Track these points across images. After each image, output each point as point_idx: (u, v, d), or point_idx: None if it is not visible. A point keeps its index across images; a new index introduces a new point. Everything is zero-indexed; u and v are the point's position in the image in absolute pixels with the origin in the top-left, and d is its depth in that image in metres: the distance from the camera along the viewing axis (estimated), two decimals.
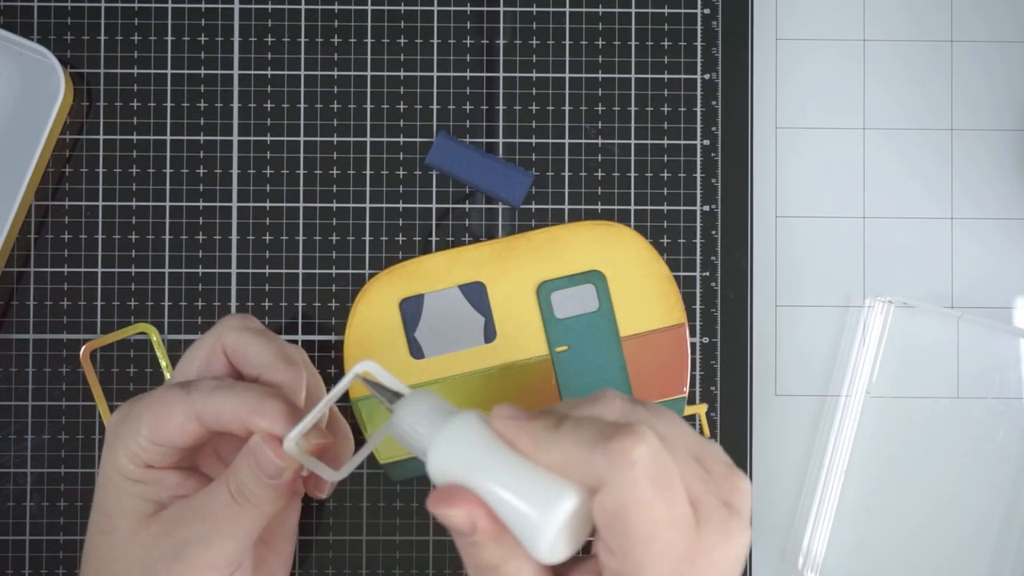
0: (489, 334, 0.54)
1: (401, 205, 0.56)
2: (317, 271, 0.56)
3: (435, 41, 0.56)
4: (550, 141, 0.56)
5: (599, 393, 0.40)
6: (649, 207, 0.56)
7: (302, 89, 0.56)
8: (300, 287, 0.56)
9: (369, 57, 0.56)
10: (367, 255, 0.56)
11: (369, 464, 0.55)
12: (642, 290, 0.55)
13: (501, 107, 0.56)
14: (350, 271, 0.56)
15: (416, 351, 0.54)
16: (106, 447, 0.44)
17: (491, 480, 0.37)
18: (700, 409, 0.55)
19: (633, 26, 0.57)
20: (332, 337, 0.56)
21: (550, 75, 0.56)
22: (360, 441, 0.54)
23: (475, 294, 0.54)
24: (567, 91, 0.56)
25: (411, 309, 0.54)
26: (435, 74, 0.56)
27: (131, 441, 0.43)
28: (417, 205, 0.56)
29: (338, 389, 0.41)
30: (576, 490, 0.36)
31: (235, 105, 0.56)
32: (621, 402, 0.39)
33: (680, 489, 0.36)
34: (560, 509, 0.36)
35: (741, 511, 0.38)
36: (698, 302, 0.56)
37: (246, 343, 0.45)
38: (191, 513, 0.43)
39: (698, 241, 0.56)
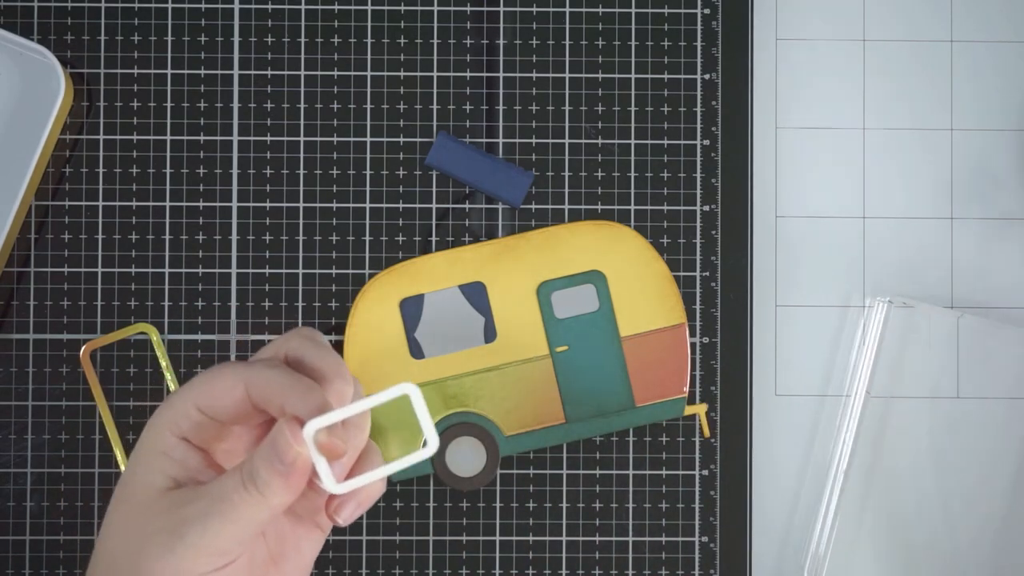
0: (489, 334, 0.54)
1: (401, 205, 0.56)
2: (317, 271, 0.56)
3: (435, 41, 0.56)
4: (550, 141, 0.56)
5: None
6: (649, 207, 0.56)
7: (302, 89, 0.56)
8: (300, 287, 0.56)
9: (369, 57, 0.56)
10: (367, 255, 0.56)
11: None
12: (642, 290, 0.55)
13: (501, 107, 0.56)
14: (350, 271, 0.56)
15: (416, 351, 0.54)
16: (151, 417, 0.45)
17: None
18: (700, 409, 0.55)
19: (633, 26, 0.57)
20: (332, 337, 0.56)
21: (550, 75, 0.56)
22: None
23: (475, 294, 0.54)
24: (567, 91, 0.56)
25: (411, 309, 0.54)
26: (435, 74, 0.56)
27: (177, 402, 0.44)
28: (417, 205, 0.56)
29: (374, 399, 0.41)
30: None
31: (235, 105, 0.56)
32: None
33: None
34: None
35: None
36: (698, 302, 0.56)
37: (305, 349, 0.46)
38: (198, 494, 0.44)
39: (698, 241, 0.56)
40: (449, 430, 0.54)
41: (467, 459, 0.54)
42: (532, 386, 0.54)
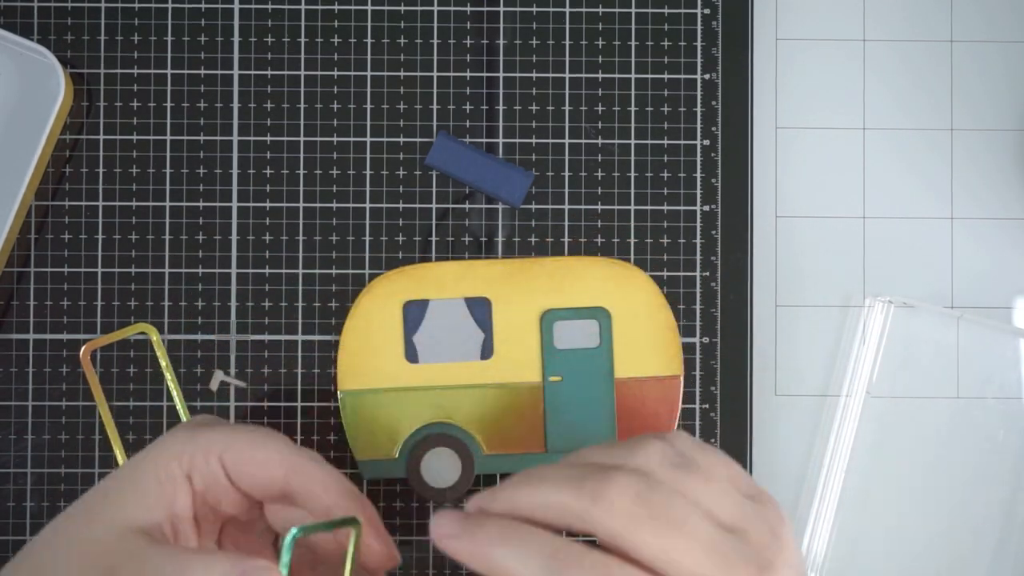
0: (486, 351, 0.54)
1: (401, 205, 0.56)
2: (317, 271, 0.56)
3: (435, 41, 0.56)
4: (550, 141, 0.56)
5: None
6: (649, 207, 0.56)
7: (302, 89, 0.56)
8: (300, 287, 0.56)
9: (369, 57, 0.56)
10: (367, 255, 0.56)
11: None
12: (644, 335, 0.54)
13: (501, 107, 0.56)
14: (350, 271, 0.56)
15: (411, 354, 0.54)
16: (159, 442, 0.41)
17: None
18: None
19: (633, 26, 0.56)
20: (332, 337, 0.56)
21: (550, 75, 0.56)
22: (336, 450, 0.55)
23: (479, 309, 0.54)
24: (567, 91, 0.56)
25: (414, 312, 0.54)
26: (435, 74, 0.56)
27: (203, 441, 0.40)
28: (417, 205, 0.56)
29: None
30: None
31: (235, 105, 0.56)
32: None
33: None
34: None
35: None
36: (698, 302, 0.56)
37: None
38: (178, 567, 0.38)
39: (698, 241, 0.56)
40: (428, 439, 0.54)
41: (442, 470, 0.54)
42: (519, 411, 0.54)
